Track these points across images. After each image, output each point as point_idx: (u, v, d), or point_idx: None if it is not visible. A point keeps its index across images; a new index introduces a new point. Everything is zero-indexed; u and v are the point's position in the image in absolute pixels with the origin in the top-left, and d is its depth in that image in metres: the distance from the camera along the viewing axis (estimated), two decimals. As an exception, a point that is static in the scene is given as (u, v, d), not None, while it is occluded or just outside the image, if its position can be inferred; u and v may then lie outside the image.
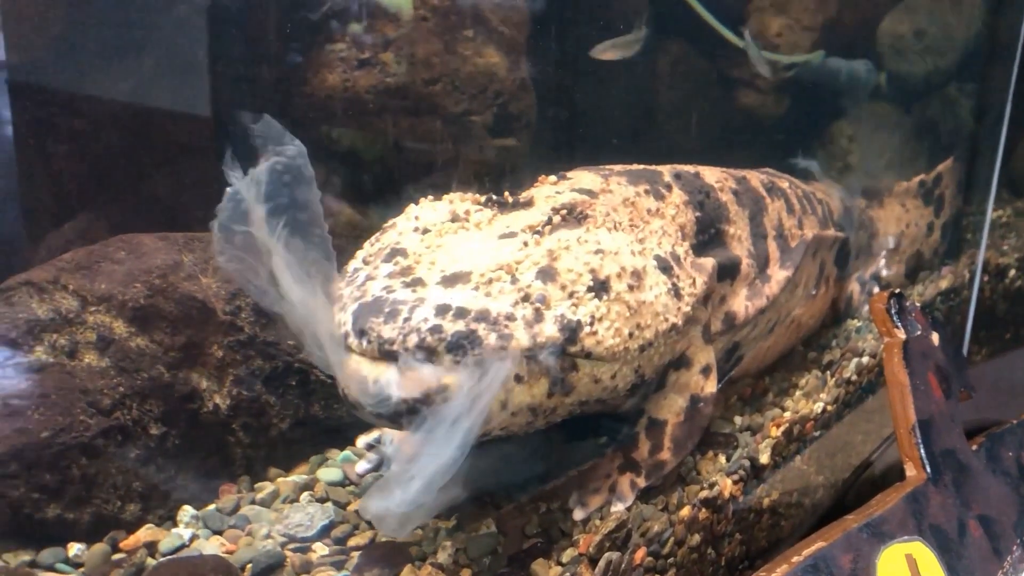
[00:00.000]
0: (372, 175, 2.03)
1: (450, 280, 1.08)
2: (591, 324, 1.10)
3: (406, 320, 1.03)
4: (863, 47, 2.19)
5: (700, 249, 1.38)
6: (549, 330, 1.07)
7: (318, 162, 2.01)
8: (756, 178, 1.59)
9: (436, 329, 1.02)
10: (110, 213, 1.86)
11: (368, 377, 1.03)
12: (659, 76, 2.16)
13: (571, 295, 1.10)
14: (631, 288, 1.15)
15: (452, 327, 1.03)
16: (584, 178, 1.33)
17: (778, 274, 1.51)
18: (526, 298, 1.07)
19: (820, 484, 1.70)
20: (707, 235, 1.40)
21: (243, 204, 1.13)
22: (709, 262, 1.33)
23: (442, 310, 1.04)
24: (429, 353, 1.02)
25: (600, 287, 1.12)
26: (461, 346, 1.02)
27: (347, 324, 1.06)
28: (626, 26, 2.05)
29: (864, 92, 2.12)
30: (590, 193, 1.27)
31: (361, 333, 1.04)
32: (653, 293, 1.18)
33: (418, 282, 1.08)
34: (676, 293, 1.22)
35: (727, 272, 1.41)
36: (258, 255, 1.11)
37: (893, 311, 1.60)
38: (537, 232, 1.16)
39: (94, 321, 1.31)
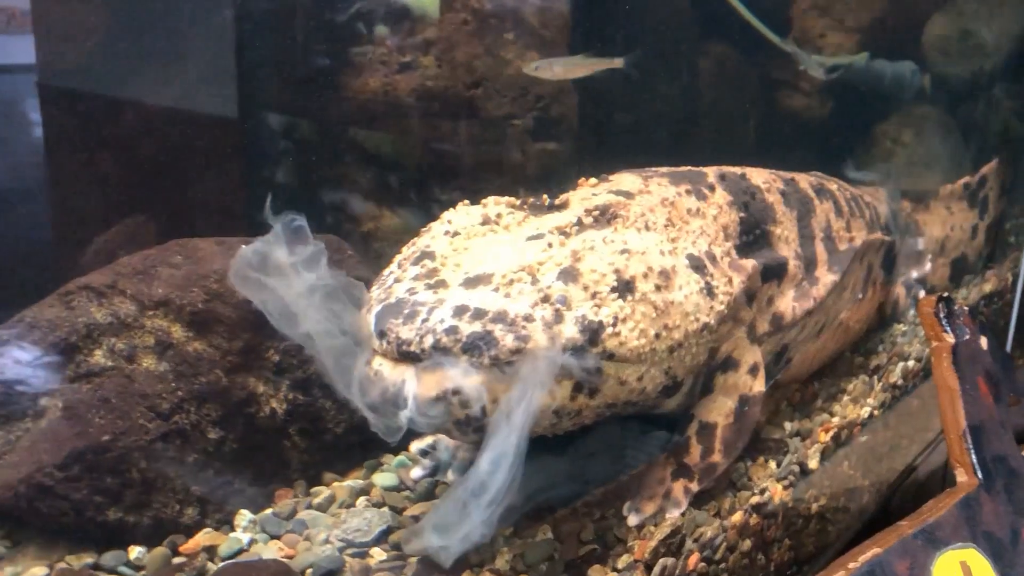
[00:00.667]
0: (412, 179, 2.04)
1: (472, 282, 1.09)
2: (614, 325, 1.09)
3: (424, 321, 1.04)
4: (908, 49, 2.18)
5: (745, 250, 1.37)
6: (569, 331, 1.06)
7: (359, 166, 2.04)
8: (805, 180, 1.58)
9: (452, 330, 1.03)
10: (157, 216, 1.88)
11: (388, 378, 1.05)
12: (702, 78, 2.15)
13: (594, 296, 1.09)
14: (658, 288, 1.14)
15: (468, 328, 1.03)
16: (625, 180, 1.33)
17: (826, 277, 1.51)
18: (546, 299, 1.07)
19: (866, 489, 1.70)
20: (752, 236, 1.40)
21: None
22: (749, 262, 1.33)
23: (459, 311, 1.04)
24: (445, 354, 1.02)
25: (625, 287, 1.11)
26: (477, 347, 1.02)
27: (370, 325, 1.08)
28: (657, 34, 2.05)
29: (909, 94, 2.11)
30: (627, 195, 1.27)
31: (382, 334, 1.06)
32: (683, 293, 1.17)
33: (441, 284, 1.09)
34: (709, 292, 1.21)
35: (773, 273, 1.41)
36: (278, 283, 1.13)
37: (942, 315, 1.59)
38: (564, 233, 1.16)
39: (152, 325, 1.32)
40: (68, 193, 1.88)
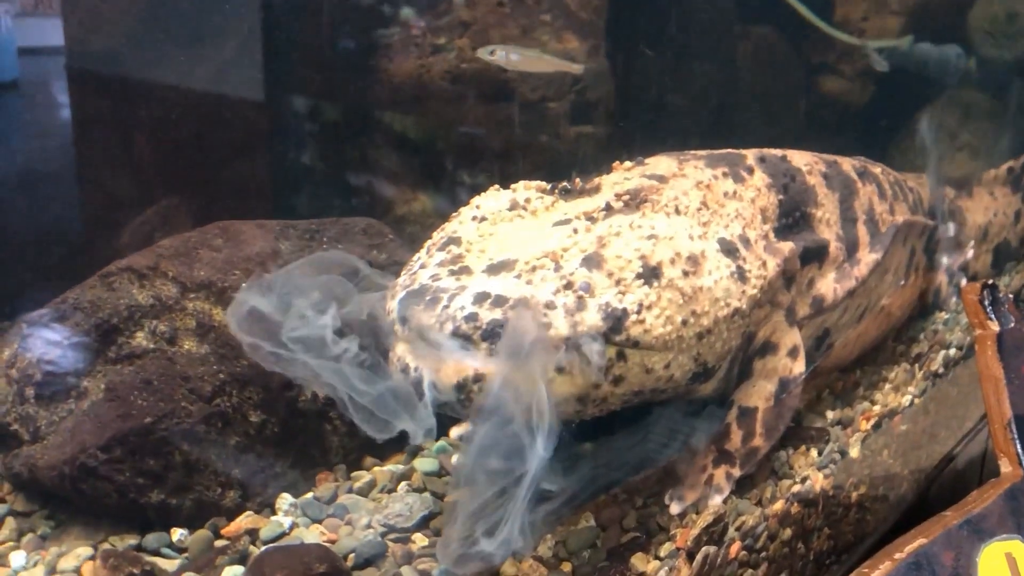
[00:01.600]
0: (446, 163, 2.03)
1: (495, 268, 1.08)
2: (638, 312, 1.07)
3: (444, 308, 1.04)
4: (954, 32, 2.14)
5: (784, 232, 1.35)
6: (591, 319, 1.05)
7: (392, 150, 2.03)
8: (848, 163, 1.56)
9: (472, 317, 1.02)
10: (188, 199, 1.88)
11: (410, 364, 1.05)
12: (742, 62, 2.13)
13: (618, 282, 1.08)
14: (686, 274, 1.12)
15: (488, 315, 1.02)
16: (660, 163, 1.32)
17: (867, 257, 1.49)
18: (568, 286, 1.06)
19: (905, 478, 1.68)
20: (791, 218, 1.38)
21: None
22: (787, 245, 1.30)
23: (480, 298, 1.04)
24: (465, 341, 1.02)
25: (650, 274, 1.09)
26: (497, 334, 1.01)
27: (393, 312, 1.08)
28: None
29: (953, 78, 2.07)
30: (660, 179, 1.25)
31: (403, 320, 1.06)
32: (712, 278, 1.15)
33: (464, 270, 1.09)
34: (741, 276, 1.19)
35: (813, 255, 1.39)
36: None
37: (986, 302, 1.56)
38: (591, 219, 1.15)
39: (193, 308, 1.32)
40: (96, 175, 1.88)
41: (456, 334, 1.02)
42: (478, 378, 1.02)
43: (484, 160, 2.00)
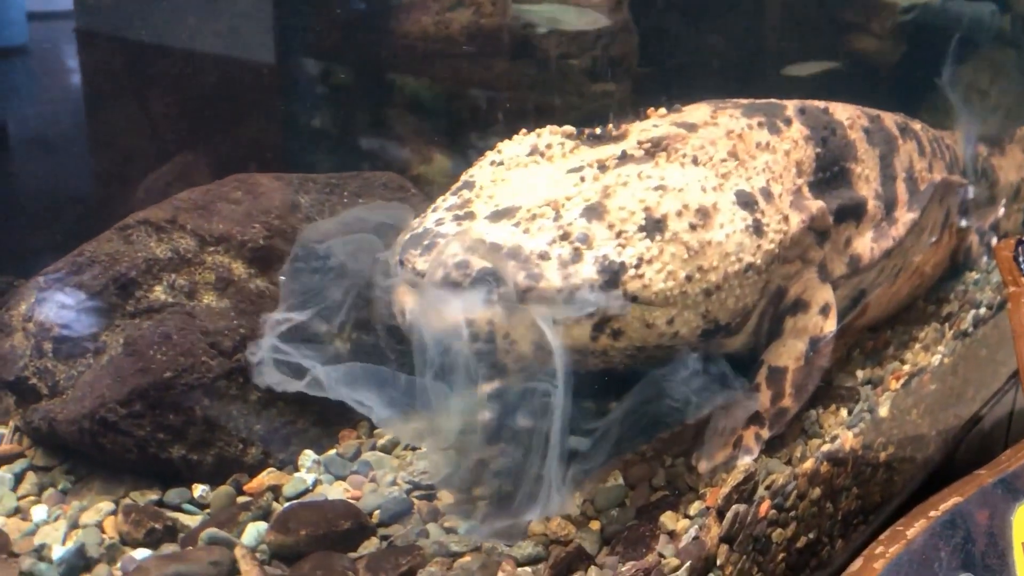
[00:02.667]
0: (464, 121, 1.99)
1: (497, 215, 1.06)
2: (637, 266, 1.04)
3: (439, 253, 1.02)
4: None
5: (821, 187, 1.31)
6: (586, 271, 1.02)
7: (410, 108, 1.99)
8: (890, 118, 1.52)
9: (463, 264, 1.00)
10: (208, 154, 1.86)
11: (404, 305, 1.04)
12: (769, 19, 2.08)
13: (619, 235, 1.04)
14: (693, 227, 1.08)
15: (480, 263, 1.00)
16: (694, 111, 1.28)
17: (905, 216, 1.45)
18: (565, 236, 1.03)
19: (932, 438, 1.66)
20: (829, 172, 1.34)
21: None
22: (815, 203, 1.26)
23: (473, 245, 1.02)
24: (455, 287, 1.00)
25: (653, 226, 1.06)
26: (486, 282, 1.00)
27: (397, 254, 1.08)
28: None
29: (987, 36, 2.02)
30: (690, 127, 1.21)
31: (401, 264, 1.05)
32: (724, 232, 1.11)
33: (469, 216, 1.07)
34: (757, 230, 1.14)
35: (850, 212, 1.35)
36: None
37: (1021, 259, 1.53)
38: (603, 167, 1.11)
39: (213, 262, 1.30)
40: (107, 138, 1.86)
41: (446, 280, 1.00)
42: (468, 323, 1.00)
43: (503, 119, 1.97)
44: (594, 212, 1.05)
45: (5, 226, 1.85)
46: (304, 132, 2.00)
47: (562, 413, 1.02)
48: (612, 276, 1.03)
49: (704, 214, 1.10)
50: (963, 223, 1.73)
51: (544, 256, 1.02)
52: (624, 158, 1.13)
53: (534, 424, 1.07)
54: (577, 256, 1.02)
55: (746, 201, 1.16)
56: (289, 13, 1.92)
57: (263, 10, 1.90)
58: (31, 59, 1.90)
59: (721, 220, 1.12)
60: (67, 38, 1.81)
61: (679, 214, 1.08)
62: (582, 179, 1.09)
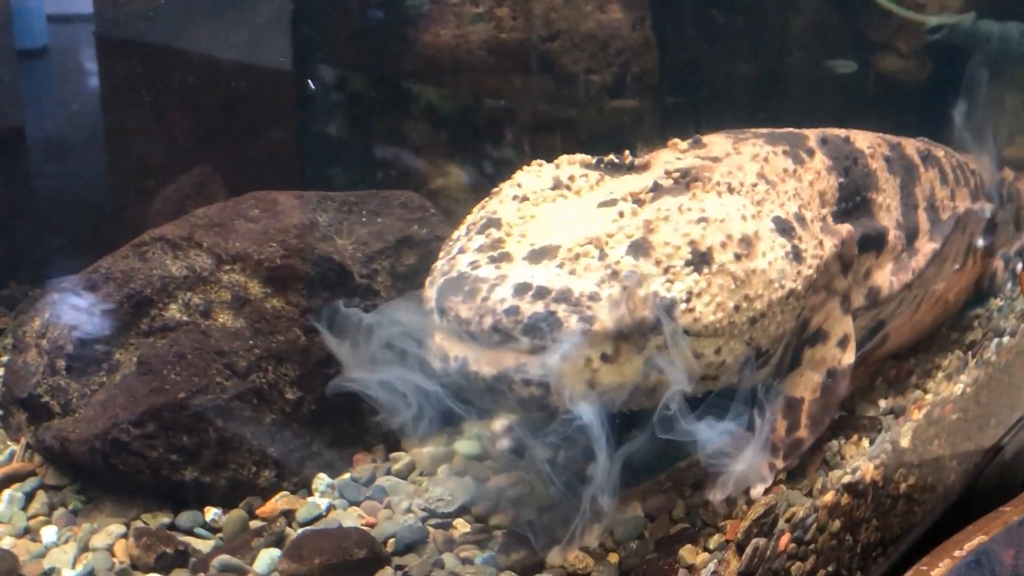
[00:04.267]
0: (483, 136, 1.98)
1: (536, 255, 1.03)
2: (687, 300, 1.04)
3: (484, 300, 1.00)
4: (1019, 8, 2.06)
5: (843, 217, 1.30)
6: (637, 310, 1.01)
7: (428, 122, 1.98)
8: (912, 145, 1.50)
9: (512, 311, 0.98)
10: (222, 168, 1.85)
11: (449, 355, 1.02)
12: (792, 37, 2.06)
13: (667, 270, 1.04)
14: (738, 257, 1.08)
15: (530, 308, 0.98)
16: (716, 143, 1.26)
17: (926, 247, 1.43)
18: (614, 275, 1.01)
19: (953, 468, 1.64)
20: (851, 203, 1.33)
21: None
22: (844, 227, 1.26)
23: (521, 290, 1.00)
24: (506, 334, 0.98)
25: (700, 259, 1.05)
26: (539, 328, 0.98)
27: (432, 300, 1.05)
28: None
29: (1017, 57, 1.99)
30: (714, 159, 1.20)
31: (442, 312, 1.02)
32: (767, 260, 1.11)
33: (504, 257, 1.04)
34: (796, 256, 1.14)
35: (872, 243, 1.34)
36: None
37: (1046, 289, 1.51)
38: (638, 201, 1.09)
39: (228, 280, 1.28)
40: (124, 142, 1.86)
41: (496, 328, 0.99)
42: (519, 369, 0.99)
43: (521, 134, 1.95)
44: (639, 249, 1.04)
45: (19, 232, 1.84)
46: (321, 144, 1.99)
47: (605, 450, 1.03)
48: (664, 312, 1.03)
49: (747, 243, 1.10)
50: (980, 243, 1.72)
51: (595, 297, 1.00)
52: (657, 190, 1.11)
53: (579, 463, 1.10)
54: (627, 295, 1.01)
55: (783, 228, 1.15)
56: (308, 23, 1.91)
57: (282, 20, 1.90)
58: (51, 62, 1.90)
59: (763, 248, 1.11)
60: (87, 41, 1.82)
61: (723, 245, 1.08)
62: (620, 214, 1.07)
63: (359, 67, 1.97)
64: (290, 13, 1.89)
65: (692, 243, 1.06)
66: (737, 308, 1.08)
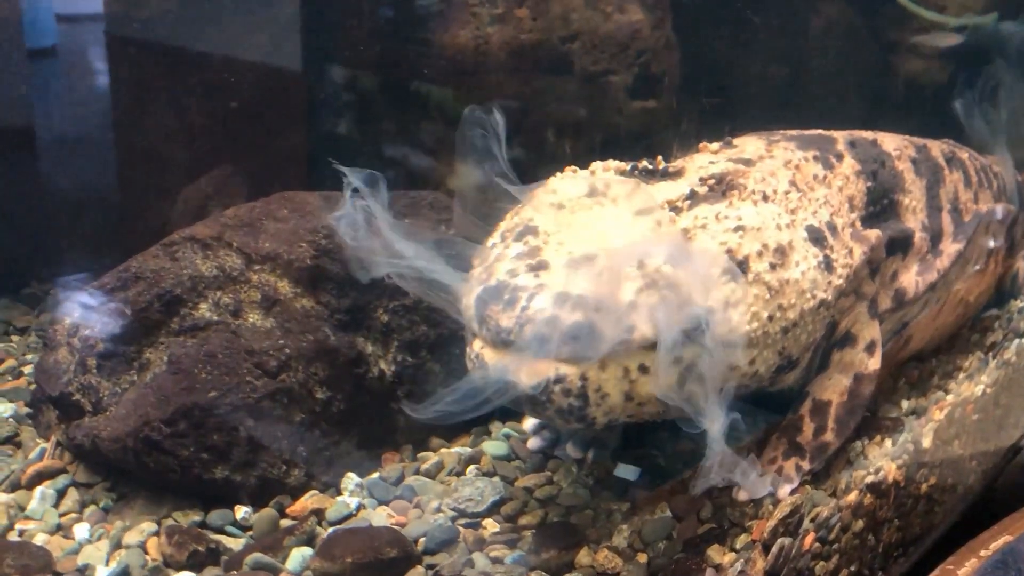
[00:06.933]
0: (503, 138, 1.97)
1: (575, 264, 1.04)
2: (724, 310, 1.04)
3: (524, 309, 1.00)
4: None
5: (871, 220, 1.31)
6: (675, 319, 1.01)
7: (446, 124, 1.98)
8: (937, 147, 1.51)
9: (553, 320, 0.99)
10: (242, 169, 1.85)
11: (489, 364, 1.02)
12: (813, 38, 2.06)
13: (703, 279, 1.04)
14: (773, 267, 1.09)
15: (570, 318, 0.99)
16: (748, 145, 1.27)
17: (950, 248, 1.44)
18: (652, 284, 1.02)
19: (973, 469, 1.64)
20: (879, 206, 1.34)
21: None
22: (873, 233, 1.27)
23: (561, 299, 1.00)
24: (545, 344, 0.99)
25: (736, 269, 1.06)
26: (578, 338, 0.98)
27: (471, 309, 1.05)
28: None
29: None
30: (747, 163, 1.20)
31: (481, 321, 1.03)
32: (800, 269, 1.12)
33: (543, 265, 1.05)
34: (828, 266, 1.16)
35: (898, 245, 1.34)
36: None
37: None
38: (675, 208, 1.10)
39: (258, 280, 1.29)
40: (133, 142, 1.86)
41: (536, 338, 0.99)
42: (559, 380, 1.00)
43: (544, 136, 1.95)
44: (678, 258, 1.04)
45: (37, 231, 1.85)
46: (337, 144, 1.99)
47: None
48: (700, 322, 1.03)
49: (782, 253, 1.11)
50: (1002, 244, 1.72)
51: (633, 306, 1.01)
52: (693, 197, 1.12)
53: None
54: (665, 304, 1.02)
55: (816, 237, 1.17)
56: (323, 24, 1.92)
57: (295, 20, 1.90)
58: (60, 61, 1.91)
59: (796, 258, 1.12)
60: (96, 40, 1.82)
61: (760, 254, 1.09)
62: (659, 223, 1.08)
63: (377, 69, 1.98)
64: (305, 13, 1.90)
65: (729, 251, 1.07)
66: (771, 318, 1.09)
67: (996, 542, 1.22)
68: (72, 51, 1.92)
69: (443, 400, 1.03)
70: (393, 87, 1.98)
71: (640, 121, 1.95)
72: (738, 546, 1.15)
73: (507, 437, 1.36)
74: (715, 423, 1.08)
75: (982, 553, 1.20)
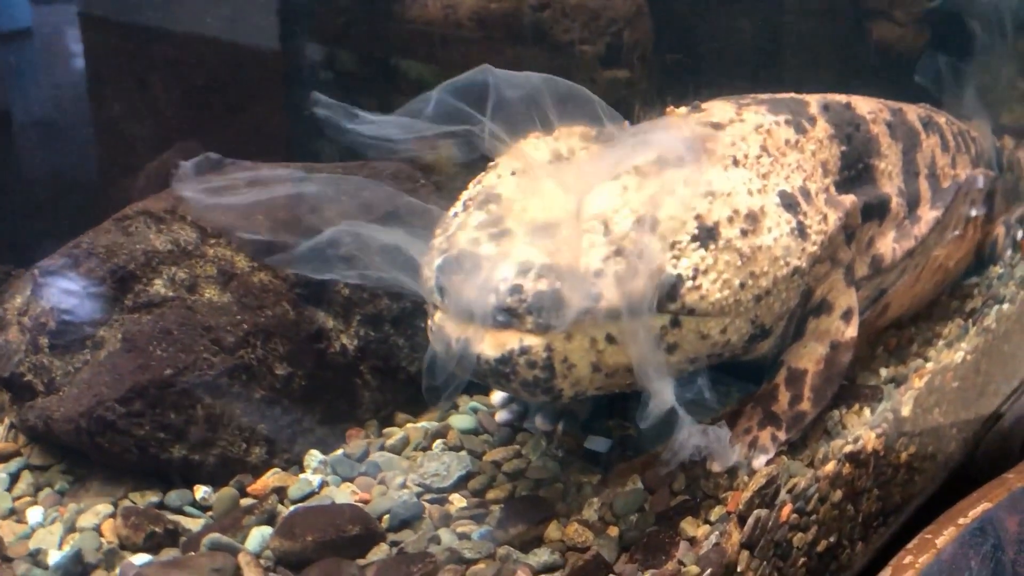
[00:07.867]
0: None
1: (539, 231, 1.01)
2: (694, 278, 1.01)
3: (486, 279, 0.98)
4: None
5: (846, 185, 1.28)
6: (643, 287, 0.98)
7: (414, 96, 1.95)
8: (913, 111, 1.48)
9: (516, 289, 0.96)
10: (208, 143, 1.82)
11: (451, 336, 0.99)
12: (786, 5, 2.03)
13: (672, 246, 1.01)
14: (745, 233, 1.06)
15: (533, 287, 0.96)
16: (717, 109, 1.23)
17: (928, 214, 1.41)
18: (619, 252, 0.99)
19: (953, 436, 1.62)
20: (854, 170, 1.30)
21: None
22: (848, 198, 1.24)
23: (524, 268, 0.97)
24: (509, 314, 0.96)
25: (707, 235, 1.03)
26: (543, 307, 0.95)
27: (430, 280, 1.03)
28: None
29: (1016, 25, 1.96)
30: (716, 126, 1.17)
31: (442, 291, 1.00)
32: (772, 236, 1.08)
33: (505, 233, 1.02)
34: (801, 232, 1.12)
35: (874, 211, 1.31)
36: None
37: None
38: (642, 174, 1.06)
39: (214, 254, 1.25)
40: (109, 121, 1.82)
41: (500, 308, 0.96)
42: (524, 351, 0.97)
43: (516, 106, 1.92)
44: (644, 224, 1.01)
45: (3, 213, 1.81)
46: (308, 118, 1.96)
47: None
48: (670, 290, 1.01)
49: (753, 219, 1.08)
50: (980, 210, 1.70)
51: (600, 274, 0.98)
52: (661, 163, 1.08)
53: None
54: (633, 272, 0.99)
55: (789, 203, 1.13)
56: (294, -2, 1.88)
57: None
58: (35, 42, 1.87)
59: (769, 224, 1.09)
60: (70, 22, 1.79)
61: (730, 220, 1.06)
62: (624, 188, 1.04)
63: (346, 42, 1.94)
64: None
65: (699, 217, 1.04)
66: (743, 286, 1.06)
67: (975, 510, 1.20)
68: (47, 32, 1.89)
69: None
70: (362, 59, 1.94)
71: (613, 91, 1.91)
72: (713, 518, 1.13)
73: (474, 411, 1.33)
74: (685, 393, 1.05)
75: (960, 521, 1.18)
